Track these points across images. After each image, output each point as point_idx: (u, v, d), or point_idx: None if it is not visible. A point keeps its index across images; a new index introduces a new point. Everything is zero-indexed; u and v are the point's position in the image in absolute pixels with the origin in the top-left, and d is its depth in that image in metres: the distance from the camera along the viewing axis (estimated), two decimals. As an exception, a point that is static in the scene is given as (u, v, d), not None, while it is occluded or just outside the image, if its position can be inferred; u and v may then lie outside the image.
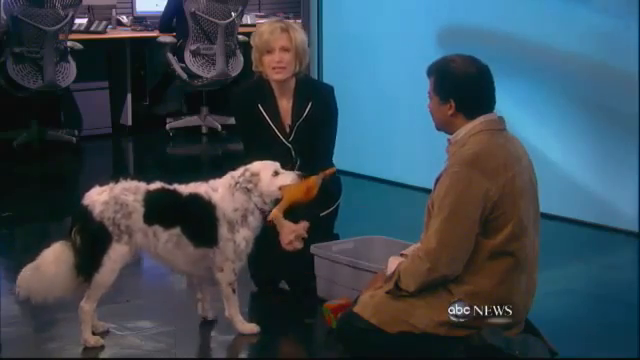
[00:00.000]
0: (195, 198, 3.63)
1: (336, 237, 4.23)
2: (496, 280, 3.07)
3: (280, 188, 3.65)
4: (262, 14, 8.71)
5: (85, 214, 3.51)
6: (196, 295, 3.83)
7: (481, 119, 3.12)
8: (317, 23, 6.50)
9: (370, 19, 6.23)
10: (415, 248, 3.19)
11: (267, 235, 3.98)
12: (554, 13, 5.29)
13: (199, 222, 3.63)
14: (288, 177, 3.68)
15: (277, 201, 3.66)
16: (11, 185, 6.31)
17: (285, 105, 4.11)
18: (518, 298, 3.11)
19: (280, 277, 4.21)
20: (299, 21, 6.58)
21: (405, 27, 6.01)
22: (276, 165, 3.71)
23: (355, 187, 5.45)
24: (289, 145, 4.09)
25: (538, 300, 3.24)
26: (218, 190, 3.65)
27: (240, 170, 3.68)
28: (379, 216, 5.06)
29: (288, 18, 7.97)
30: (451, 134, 3.17)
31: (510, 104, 5.43)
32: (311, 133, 4.09)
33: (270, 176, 3.66)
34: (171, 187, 3.66)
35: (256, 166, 3.68)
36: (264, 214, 3.67)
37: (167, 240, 3.59)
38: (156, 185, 3.63)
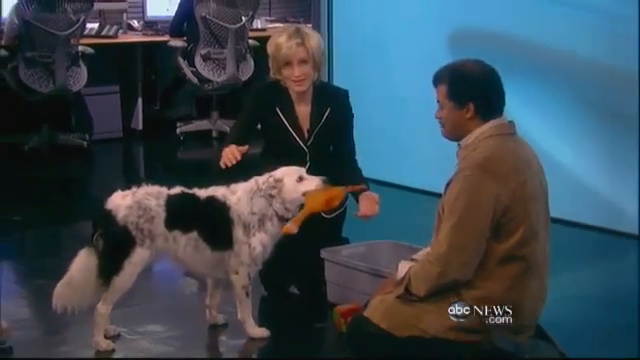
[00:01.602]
0: (211, 201, 3.64)
1: (346, 241, 4.23)
2: (507, 285, 3.06)
3: (304, 194, 3.62)
4: (272, 18, 8.72)
5: (109, 218, 3.52)
6: (205, 301, 3.83)
7: (492, 123, 3.12)
8: (327, 27, 6.51)
9: (381, 23, 6.23)
10: (425, 252, 3.18)
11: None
12: (563, 16, 5.29)
13: (214, 225, 3.63)
14: (312, 183, 3.65)
15: (301, 206, 3.63)
16: (22, 189, 6.32)
17: (303, 110, 4.13)
18: (529, 303, 3.10)
19: (290, 281, 4.21)
20: (310, 25, 6.59)
21: (416, 30, 6.01)
22: (301, 171, 3.70)
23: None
24: (306, 149, 4.10)
25: (548, 305, 3.23)
26: (236, 193, 3.66)
27: (265, 176, 3.67)
28: (390, 220, 5.04)
29: (298, 22, 7.99)
30: (463, 138, 3.16)
31: (519, 106, 5.41)
32: (329, 138, 4.13)
33: (294, 182, 3.64)
34: (190, 191, 3.67)
35: (280, 172, 3.67)
36: (284, 221, 3.65)
37: (186, 244, 3.60)
38: (176, 190, 3.64)
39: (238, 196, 3.65)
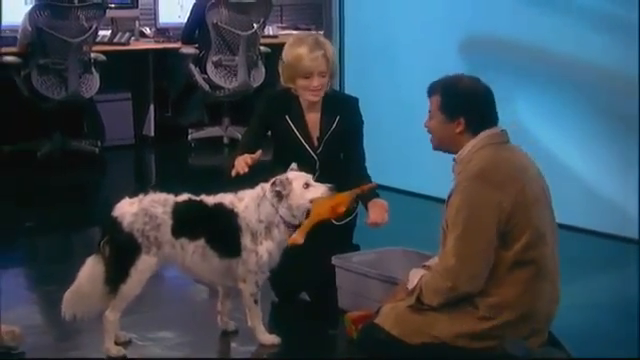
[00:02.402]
0: (219, 208, 3.64)
1: (357, 248, 4.23)
2: (520, 290, 3.05)
3: (311, 201, 3.61)
4: (284, 25, 8.73)
5: (115, 225, 3.52)
6: (216, 307, 3.83)
7: (484, 134, 3.14)
8: (339, 34, 6.51)
9: (391, 29, 6.23)
10: (436, 263, 3.17)
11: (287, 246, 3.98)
12: (575, 23, 5.27)
13: (222, 232, 3.63)
14: (319, 190, 3.63)
15: (307, 213, 3.63)
16: (34, 195, 6.34)
17: (313, 118, 4.12)
18: (542, 306, 3.10)
19: (301, 288, 4.21)
20: (321, 32, 6.59)
21: (426, 37, 6.00)
22: (308, 177, 3.69)
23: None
24: (315, 157, 4.10)
25: (560, 313, 3.22)
26: (244, 199, 3.65)
27: (272, 180, 3.66)
28: (400, 227, 5.04)
29: (309, 29, 8.00)
30: (452, 153, 3.18)
31: (531, 114, 5.42)
32: (337, 146, 4.12)
33: (301, 187, 3.63)
34: (197, 198, 3.66)
35: (290, 174, 3.67)
36: (290, 228, 3.64)
37: (194, 252, 3.59)
38: (184, 197, 3.63)
39: (246, 203, 3.64)
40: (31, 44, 6.89)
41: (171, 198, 3.61)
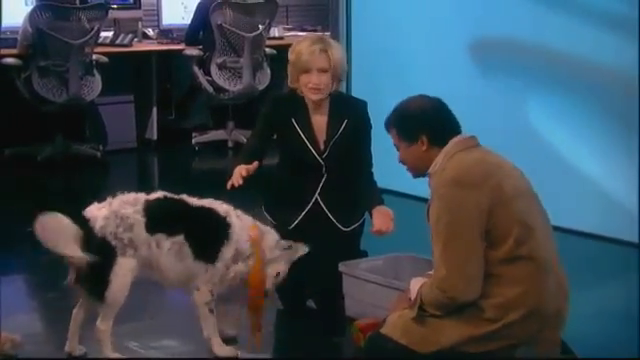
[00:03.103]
0: (207, 210, 3.64)
1: (364, 254, 4.22)
2: (522, 287, 3.05)
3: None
4: (290, 27, 8.73)
5: (86, 230, 3.49)
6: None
7: (452, 142, 3.19)
8: (346, 36, 6.50)
9: (400, 32, 6.22)
10: (431, 275, 3.18)
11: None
12: (588, 24, 5.26)
13: (206, 234, 3.62)
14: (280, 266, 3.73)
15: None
16: (35, 200, 6.33)
17: (319, 121, 4.12)
18: (549, 301, 3.08)
19: (307, 295, 4.20)
20: (328, 34, 6.59)
21: (436, 39, 6.00)
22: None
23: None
24: (321, 161, 4.09)
25: (573, 322, 3.20)
26: (243, 220, 3.67)
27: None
28: (409, 233, 5.03)
29: (316, 31, 8.00)
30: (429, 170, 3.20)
31: (543, 117, 5.41)
32: (344, 150, 4.11)
33: (287, 266, 3.72)
34: (176, 196, 3.66)
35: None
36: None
37: (169, 248, 3.56)
38: (157, 194, 3.63)
39: (243, 224, 3.65)
40: (32, 46, 6.90)
41: (142, 197, 3.60)
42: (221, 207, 3.67)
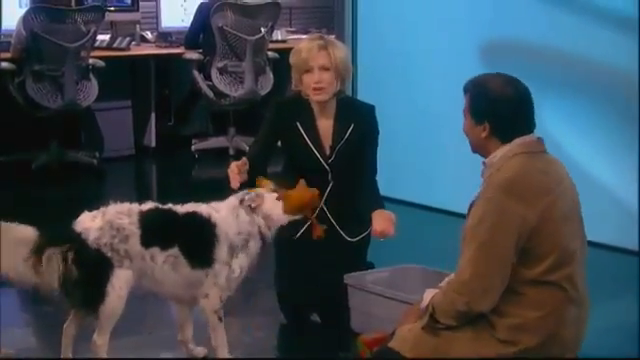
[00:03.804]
0: (193, 216, 3.64)
1: (370, 266, 4.22)
2: (543, 312, 3.03)
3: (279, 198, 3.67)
4: (293, 29, 8.75)
5: (79, 242, 3.49)
6: (177, 337, 3.81)
7: (518, 142, 3.11)
8: (352, 38, 6.51)
9: (408, 34, 6.23)
10: (449, 280, 3.16)
11: (296, 263, 3.98)
12: (602, 27, 5.26)
13: (197, 241, 3.62)
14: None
15: (281, 229, 3.69)
16: (29, 209, 6.34)
17: (325, 126, 4.12)
18: (568, 331, 3.07)
19: (311, 308, 4.20)
20: (333, 36, 6.59)
21: (446, 42, 6.00)
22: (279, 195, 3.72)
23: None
24: (327, 167, 4.09)
25: (588, 337, 3.19)
26: (221, 211, 3.66)
27: (243, 191, 3.70)
28: (417, 244, 5.04)
29: (320, 33, 8.00)
30: (486, 157, 3.16)
31: (557, 122, 5.40)
32: (351, 156, 4.11)
33: (274, 199, 3.67)
34: (166, 207, 3.67)
35: (259, 191, 3.70)
36: (264, 241, 3.68)
37: (164, 261, 3.57)
38: (149, 205, 3.64)
39: (224, 214, 3.65)
40: (26, 49, 6.92)
41: (135, 207, 3.61)
42: (201, 208, 3.67)
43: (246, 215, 3.64)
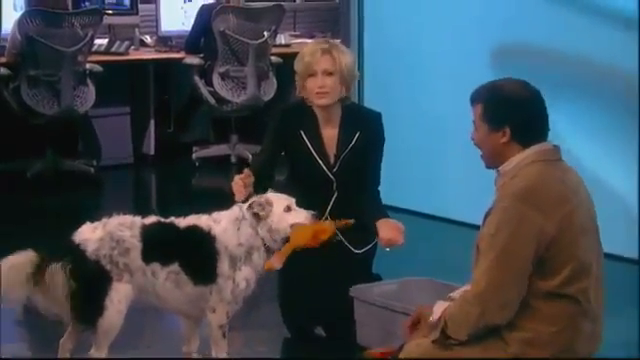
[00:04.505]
0: (193, 230, 3.64)
1: (377, 278, 4.21)
2: (556, 326, 3.03)
3: (292, 226, 3.64)
4: (297, 33, 8.76)
5: (78, 254, 3.50)
6: (182, 349, 3.83)
7: (534, 148, 3.11)
8: (357, 42, 6.52)
9: (416, 38, 6.24)
10: (463, 291, 3.16)
11: (301, 276, 3.98)
12: (615, 30, 5.26)
13: (197, 256, 3.63)
14: (301, 215, 3.67)
15: (286, 240, 3.66)
16: (24, 219, 6.35)
17: (330, 134, 4.13)
18: (582, 346, 3.07)
19: (316, 322, 4.19)
20: (338, 40, 6.60)
21: (455, 45, 6.01)
22: (290, 200, 3.71)
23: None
24: (332, 177, 4.10)
25: (601, 351, 3.19)
26: (221, 222, 3.66)
27: (250, 200, 3.70)
28: (425, 255, 5.04)
29: (325, 37, 8.02)
30: (500, 165, 3.15)
31: (569, 128, 5.40)
32: (356, 165, 4.12)
33: (282, 210, 3.66)
34: (167, 220, 3.67)
35: (270, 196, 3.70)
36: (270, 252, 3.67)
37: (166, 278, 3.58)
38: (152, 219, 3.65)
39: (223, 226, 3.65)
40: (21, 54, 6.94)
41: (138, 220, 3.62)
42: (201, 221, 3.68)
43: (249, 227, 3.64)
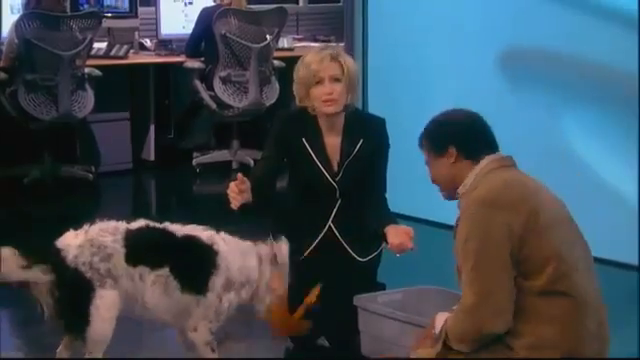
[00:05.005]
0: (192, 239, 3.65)
1: (382, 287, 4.21)
2: (558, 327, 3.04)
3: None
4: (300, 37, 8.77)
5: (58, 261, 3.49)
6: None
7: (488, 159, 3.21)
8: (362, 47, 6.53)
9: (422, 43, 6.23)
10: (458, 304, 3.17)
11: (303, 284, 3.97)
12: (628, 35, 5.26)
13: (192, 264, 3.63)
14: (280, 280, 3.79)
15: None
16: (21, 226, 6.36)
17: (333, 142, 4.13)
18: (589, 347, 3.07)
19: (319, 332, 4.19)
20: (342, 44, 6.62)
21: (462, 52, 6.00)
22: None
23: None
24: (335, 185, 4.10)
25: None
26: (230, 244, 3.70)
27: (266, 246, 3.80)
28: (430, 263, 5.03)
29: (329, 41, 8.04)
30: (458, 187, 3.20)
31: (578, 134, 5.41)
32: (360, 172, 4.12)
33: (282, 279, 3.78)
34: (159, 225, 3.68)
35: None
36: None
37: (154, 282, 3.57)
38: (139, 223, 3.65)
39: (231, 247, 3.68)
40: (18, 58, 6.94)
41: (122, 225, 3.61)
42: (204, 233, 3.69)
43: (254, 261, 3.71)
